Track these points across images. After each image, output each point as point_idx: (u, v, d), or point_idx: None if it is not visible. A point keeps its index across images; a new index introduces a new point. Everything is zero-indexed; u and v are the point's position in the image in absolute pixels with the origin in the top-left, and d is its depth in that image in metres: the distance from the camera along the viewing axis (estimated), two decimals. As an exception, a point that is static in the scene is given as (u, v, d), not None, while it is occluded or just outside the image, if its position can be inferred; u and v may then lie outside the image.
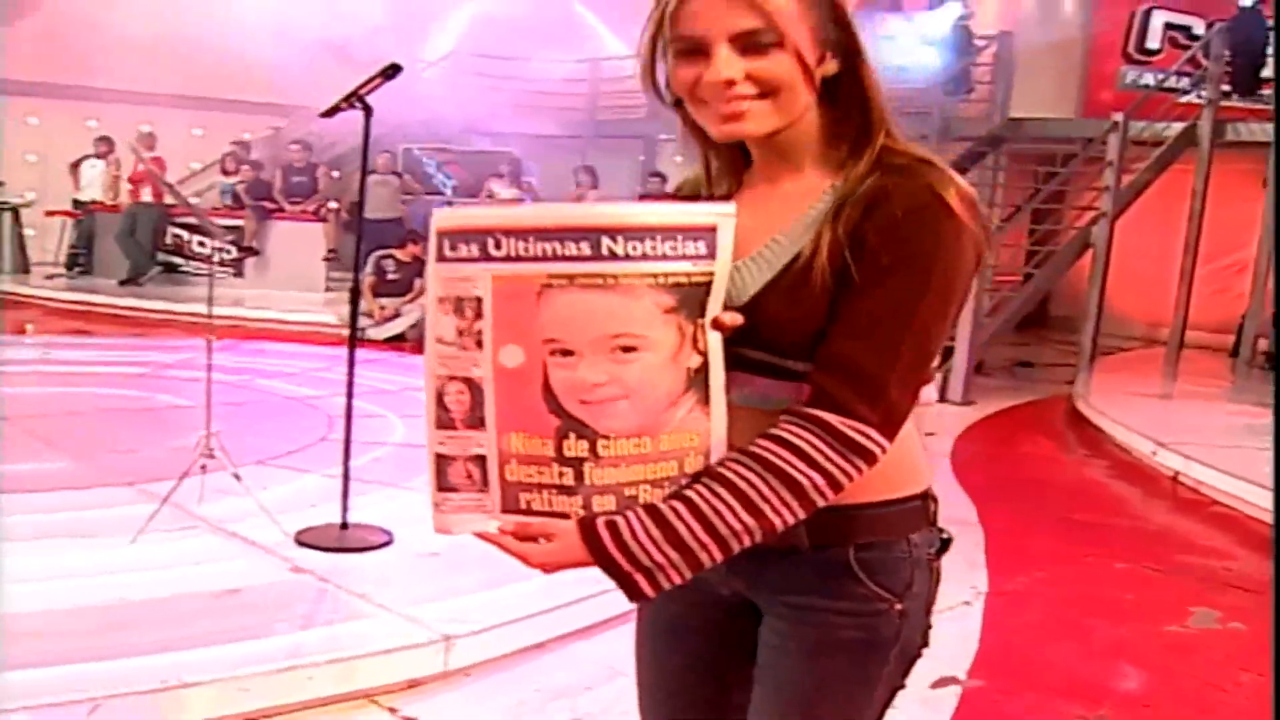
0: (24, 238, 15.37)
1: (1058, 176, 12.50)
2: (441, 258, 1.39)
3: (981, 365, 10.47)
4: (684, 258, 1.36)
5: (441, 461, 1.45)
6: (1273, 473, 6.45)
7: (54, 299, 13.46)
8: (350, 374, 4.70)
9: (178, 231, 14.36)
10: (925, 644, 1.64)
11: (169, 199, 12.85)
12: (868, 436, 1.41)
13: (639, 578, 1.41)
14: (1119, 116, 11.52)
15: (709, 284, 1.39)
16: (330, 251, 14.19)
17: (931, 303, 1.42)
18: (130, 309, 12.79)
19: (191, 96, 16.36)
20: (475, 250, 1.36)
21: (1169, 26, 15.84)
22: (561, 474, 1.41)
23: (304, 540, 4.58)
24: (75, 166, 14.99)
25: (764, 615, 1.66)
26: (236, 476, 4.72)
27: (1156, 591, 5.34)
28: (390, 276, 11.66)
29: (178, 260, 14.44)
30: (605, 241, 1.33)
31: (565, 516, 1.42)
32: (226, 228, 12.59)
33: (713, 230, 1.38)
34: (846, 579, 1.56)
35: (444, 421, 1.43)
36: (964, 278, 1.46)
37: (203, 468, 4.74)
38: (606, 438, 1.39)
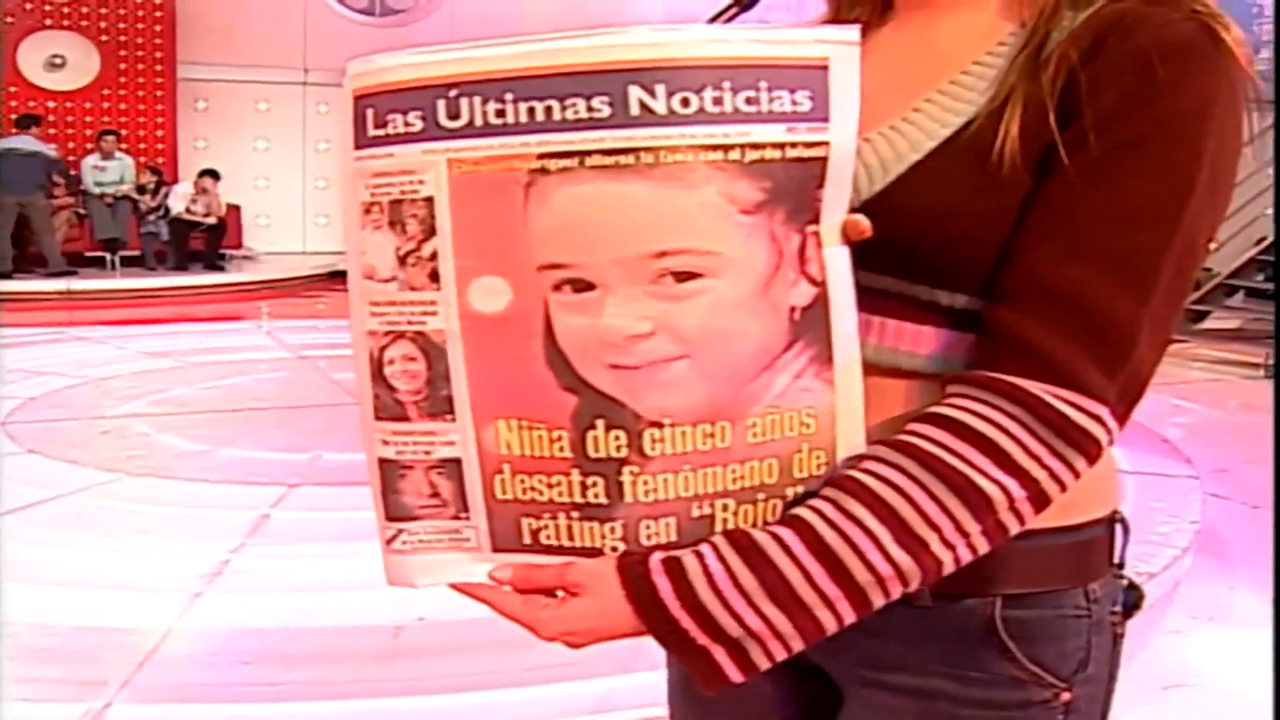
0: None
1: None
2: (363, 140, 0.90)
3: None
4: (775, 118, 0.86)
5: (389, 472, 0.97)
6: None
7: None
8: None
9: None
10: None
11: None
12: (1098, 420, 0.91)
13: (719, 653, 0.92)
14: None
15: (822, 163, 0.88)
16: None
17: (1201, 197, 0.92)
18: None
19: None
20: (418, 121, 0.88)
21: None
22: (586, 486, 0.92)
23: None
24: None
25: (846, 697, 1.13)
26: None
27: None
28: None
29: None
30: (635, 93, 0.84)
31: (596, 553, 0.94)
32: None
33: (823, 70, 0.88)
34: (987, 650, 1.04)
35: (388, 408, 0.95)
36: (1237, 160, 0.97)
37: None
38: (658, 424, 0.90)
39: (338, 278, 14.66)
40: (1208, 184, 0.93)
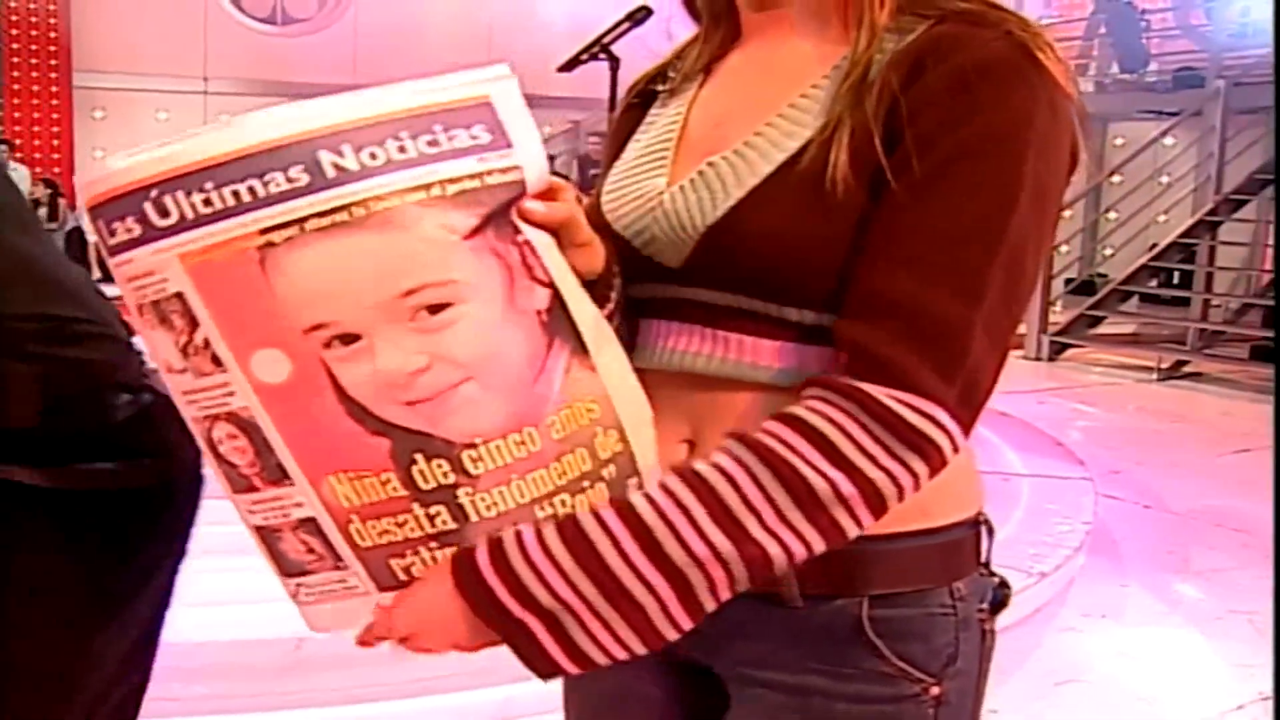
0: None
1: None
2: (108, 249, 0.92)
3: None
4: (462, 153, 0.92)
5: (266, 536, 1.00)
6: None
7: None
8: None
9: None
10: None
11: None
12: (936, 423, 0.93)
13: (537, 627, 0.93)
14: None
15: (520, 183, 0.95)
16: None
17: (1025, 210, 0.95)
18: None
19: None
20: (136, 225, 0.89)
21: None
22: (432, 516, 0.95)
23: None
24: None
25: (731, 695, 1.15)
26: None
27: None
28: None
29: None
30: (326, 157, 0.88)
31: None
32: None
33: (488, 105, 0.94)
34: (856, 649, 1.08)
35: (237, 482, 0.98)
36: (1063, 173, 1.01)
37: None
38: (471, 445, 0.94)
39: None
40: (1032, 196, 0.96)
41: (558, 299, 0.98)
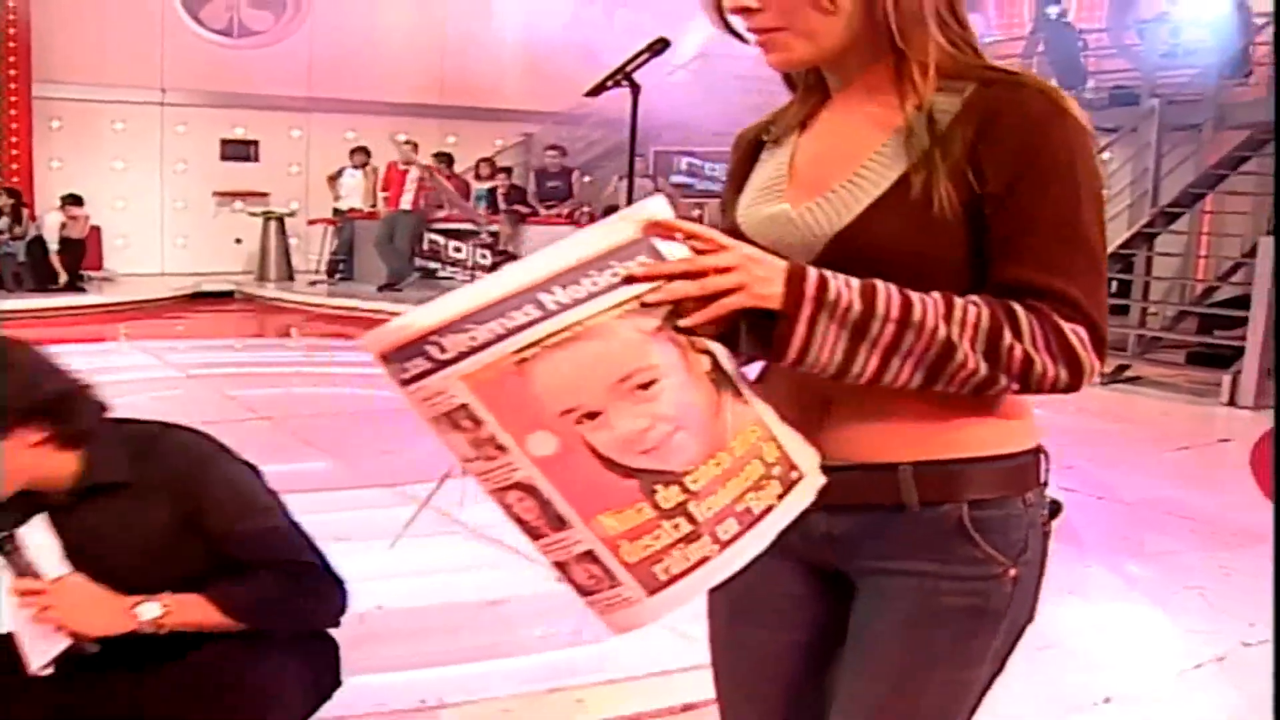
0: (289, 246, 16.14)
1: (1352, 163, 11.42)
2: (402, 381, 1.26)
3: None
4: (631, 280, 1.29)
5: (564, 570, 1.35)
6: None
7: (316, 305, 14.04)
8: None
9: (434, 237, 14.74)
10: (1031, 618, 1.55)
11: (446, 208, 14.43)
12: (1080, 340, 1.37)
13: (802, 327, 1.33)
14: None
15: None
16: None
17: (1088, 210, 1.40)
18: (389, 314, 12.94)
19: (445, 105, 16.81)
20: (424, 362, 1.24)
21: None
22: (676, 525, 1.31)
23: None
24: (334, 178, 15.53)
25: (856, 586, 1.56)
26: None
27: None
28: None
29: (434, 265, 14.79)
30: (546, 298, 1.24)
31: (705, 561, 1.33)
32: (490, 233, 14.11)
33: (645, 241, 1.31)
34: (958, 539, 1.47)
35: (533, 531, 1.33)
36: (1101, 184, 1.44)
37: (463, 470, 4.63)
38: (688, 472, 1.31)
39: (199, 300, 14.51)
40: (1090, 201, 1.40)
41: (714, 360, 1.35)
